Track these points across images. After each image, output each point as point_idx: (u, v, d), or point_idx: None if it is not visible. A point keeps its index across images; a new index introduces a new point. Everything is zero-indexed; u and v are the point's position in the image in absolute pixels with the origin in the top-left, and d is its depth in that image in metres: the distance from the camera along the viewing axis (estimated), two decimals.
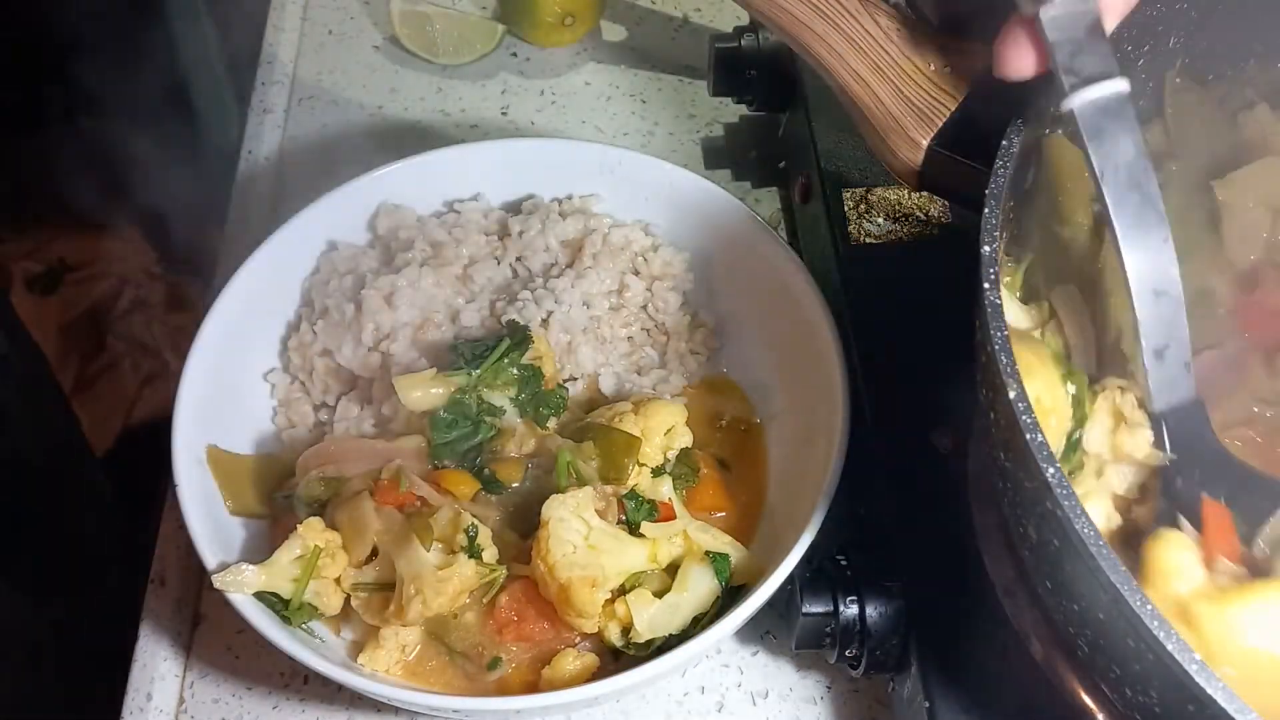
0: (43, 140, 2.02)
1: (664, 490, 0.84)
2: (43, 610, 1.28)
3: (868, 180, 0.94)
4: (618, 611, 0.78)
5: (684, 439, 0.86)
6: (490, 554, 0.79)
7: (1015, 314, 0.67)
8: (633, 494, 0.82)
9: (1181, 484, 0.61)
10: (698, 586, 0.80)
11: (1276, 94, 0.78)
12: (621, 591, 0.79)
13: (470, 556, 0.77)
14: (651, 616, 0.78)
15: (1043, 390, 0.61)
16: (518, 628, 0.79)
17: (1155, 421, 0.61)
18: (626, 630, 0.78)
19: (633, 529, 0.81)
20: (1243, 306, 0.70)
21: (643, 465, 0.83)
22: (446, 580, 0.76)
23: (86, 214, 2.04)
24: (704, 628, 0.77)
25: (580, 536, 0.77)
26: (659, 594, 0.79)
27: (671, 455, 0.86)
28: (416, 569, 0.76)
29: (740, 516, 0.89)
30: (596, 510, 0.80)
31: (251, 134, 1.22)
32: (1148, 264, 0.60)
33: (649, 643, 0.78)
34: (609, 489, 0.82)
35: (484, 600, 0.79)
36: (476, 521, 0.78)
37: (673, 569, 0.81)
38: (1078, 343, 0.67)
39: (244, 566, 0.77)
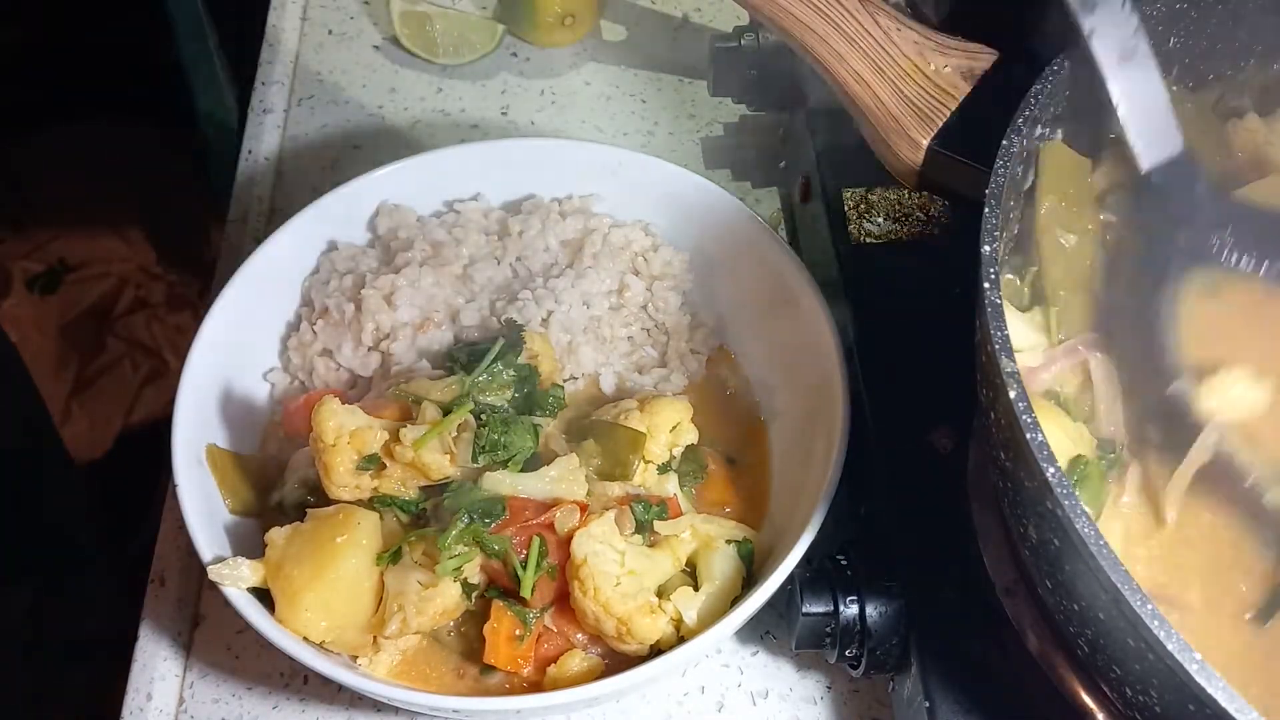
0: (43, 140, 2.03)
1: (669, 487, 0.84)
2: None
3: (868, 180, 0.94)
4: (669, 614, 0.78)
5: (689, 436, 0.86)
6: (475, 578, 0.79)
7: (1015, 325, 0.66)
8: (637, 500, 0.82)
9: (1184, 239, 0.66)
10: (723, 572, 0.80)
11: (1269, 96, 0.78)
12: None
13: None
14: (699, 609, 0.78)
15: None
16: (551, 654, 0.80)
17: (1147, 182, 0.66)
18: (677, 628, 0.79)
19: (645, 530, 0.81)
20: None
21: (648, 462, 0.83)
22: (429, 601, 0.76)
23: (86, 214, 2.05)
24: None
25: (617, 565, 0.77)
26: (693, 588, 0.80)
27: (677, 452, 0.86)
28: (402, 585, 0.77)
29: (747, 511, 0.89)
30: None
31: (251, 134, 1.23)
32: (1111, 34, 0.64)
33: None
34: (613, 493, 0.82)
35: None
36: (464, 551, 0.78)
37: (689, 565, 0.82)
38: (1106, 400, 0.66)
39: (240, 560, 0.77)
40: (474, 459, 0.79)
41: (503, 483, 0.79)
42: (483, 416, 0.80)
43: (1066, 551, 0.55)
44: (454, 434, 0.79)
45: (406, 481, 0.79)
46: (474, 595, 0.79)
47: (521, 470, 0.80)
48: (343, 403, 0.80)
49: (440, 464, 0.78)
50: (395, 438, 0.78)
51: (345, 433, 0.78)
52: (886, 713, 0.85)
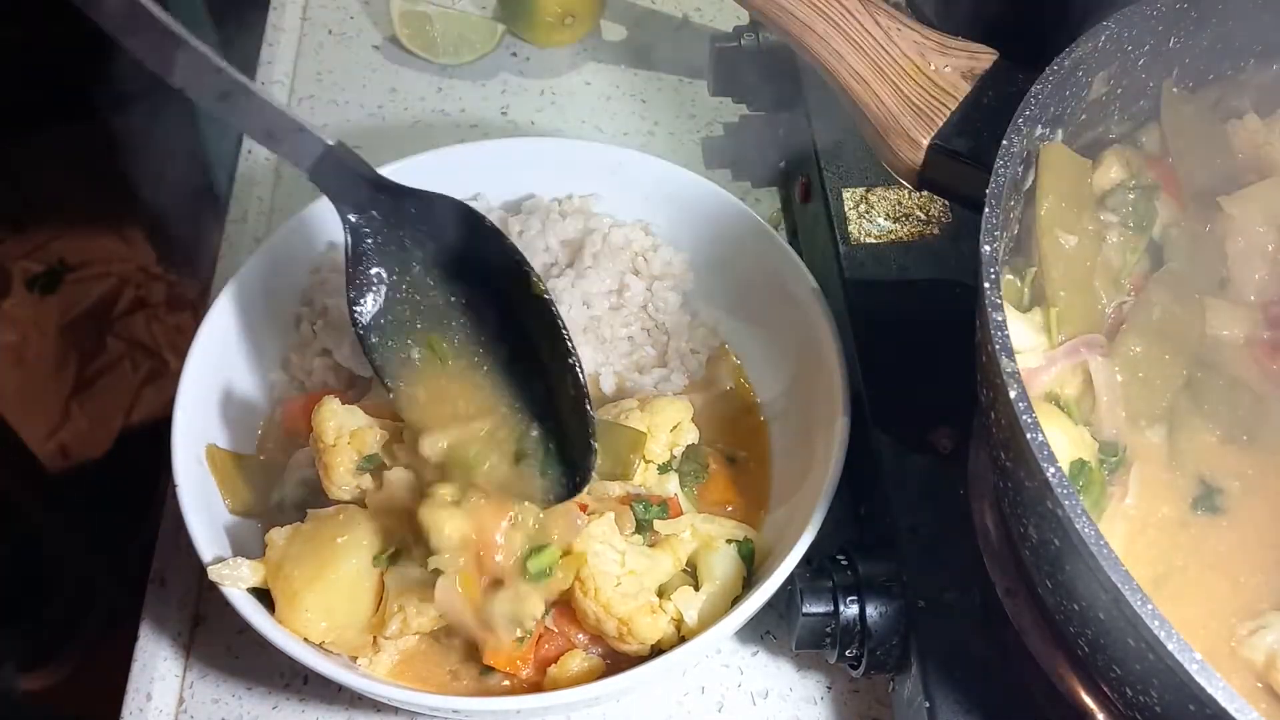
0: (43, 140, 2.03)
1: (670, 487, 0.84)
2: None
3: (868, 180, 0.94)
4: (669, 614, 0.78)
5: (690, 435, 0.86)
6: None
7: (1015, 325, 0.66)
8: (638, 499, 0.81)
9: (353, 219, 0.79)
10: (723, 572, 0.80)
11: (1268, 96, 0.78)
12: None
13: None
14: (699, 609, 0.78)
15: None
16: (551, 654, 0.80)
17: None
18: (678, 628, 0.79)
19: (645, 529, 0.81)
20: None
21: (649, 461, 0.83)
22: (430, 601, 0.76)
23: (86, 214, 2.04)
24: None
25: (618, 565, 0.77)
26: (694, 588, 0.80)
27: (678, 452, 0.86)
28: (403, 585, 0.76)
29: (748, 511, 0.89)
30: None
31: None
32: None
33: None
34: (613, 493, 0.82)
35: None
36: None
37: (690, 564, 0.81)
38: (1107, 402, 0.66)
39: (240, 561, 0.77)
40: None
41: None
42: None
43: (1066, 551, 0.55)
44: None
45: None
46: None
47: None
48: (343, 403, 0.80)
49: None
50: (395, 438, 0.78)
51: (345, 433, 0.78)
52: (886, 713, 0.85)
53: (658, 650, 0.78)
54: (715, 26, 1.31)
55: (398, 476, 0.78)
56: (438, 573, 0.74)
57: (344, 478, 0.79)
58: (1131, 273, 0.72)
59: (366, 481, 0.79)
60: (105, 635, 1.68)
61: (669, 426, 0.85)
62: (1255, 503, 0.65)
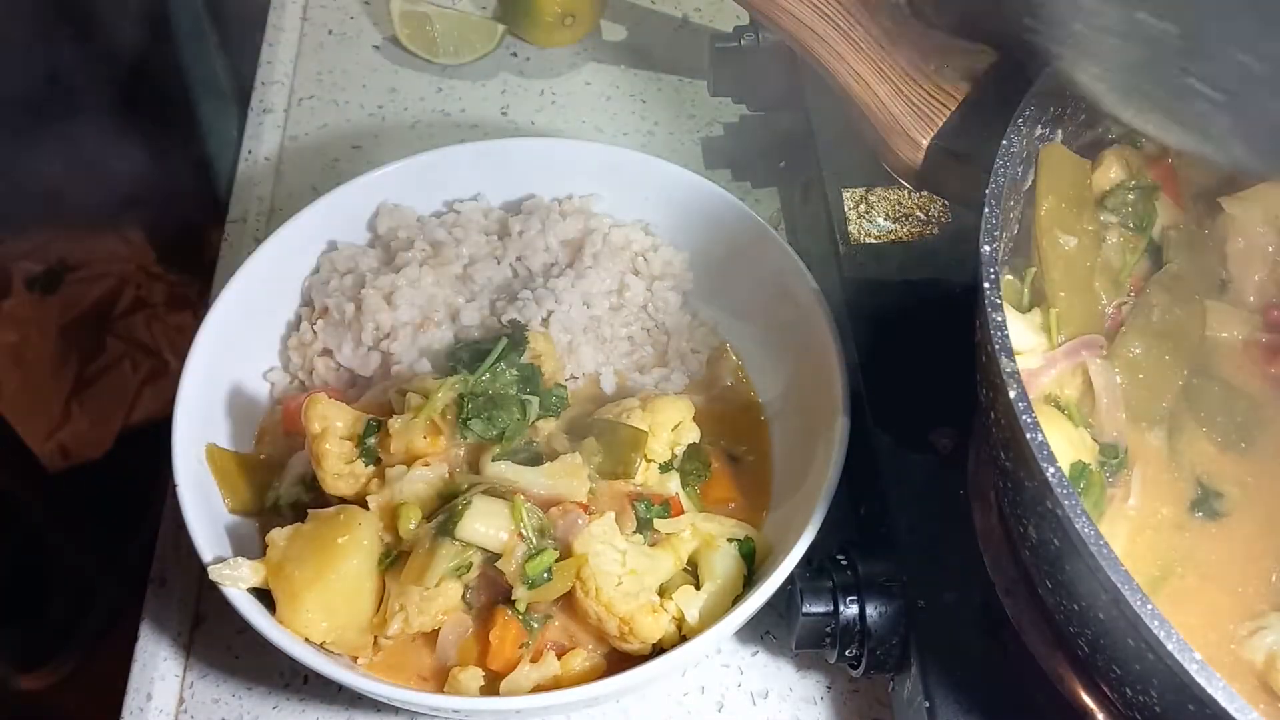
0: (43, 140, 2.03)
1: (672, 486, 0.84)
2: None
3: (868, 180, 0.94)
4: (670, 613, 0.78)
5: (691, 434, 0.86)
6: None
7: (1015, 326, 0.66)
8: (640, 498, 0.81)
9: None
10: (724, 571, 0.80)
11: None
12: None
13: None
14: (700, 608, 0.78)
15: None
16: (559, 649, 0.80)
17: None
18: (679, 627, 0.79)
19: (647, 529, 0.81)
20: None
21: (651, 460, 0.83)
22: (431, 600, 0.76)
23: (86, 214, 2.04)
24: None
25: (619, 565, 0.77)
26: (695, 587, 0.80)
27: (679, 451, 0.86)
28: (404, 585, 0.76)
29: (750, 509, 0.89)
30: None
31: (251, 134, 1.23)
32: None
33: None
34: (619, 491, 0.82)
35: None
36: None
37: (691, 563, 0.82)
38: (1107, 403, 0.66)
39: (240, 561, 0.77)
40: (462, 429, 0.79)
41: (504, 475, 0.79)
42: (471, 394, 0.80)
43: (1066, 551, 0.55)
44: (440, 412, 0.79)
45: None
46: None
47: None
48: (345, 404, 0.81)
49: (434, 443, 0.78)
50: (386, 430, 0.79)
51: (331, 421, 0.79)
52: (886, 713, 0.85)
53: (659, 649, 0.78)
54: (715, 26, 1.31)
55: (398, 474, 0.79)
56: None
57: (335, 464, 0.79)
58: (1131, 273, 0.72)
59: (360, 468, 0.79)
60: (105, 635, 1.68)
61: (670, 425, 0.85)
62: (1254, 507, 0.65)
